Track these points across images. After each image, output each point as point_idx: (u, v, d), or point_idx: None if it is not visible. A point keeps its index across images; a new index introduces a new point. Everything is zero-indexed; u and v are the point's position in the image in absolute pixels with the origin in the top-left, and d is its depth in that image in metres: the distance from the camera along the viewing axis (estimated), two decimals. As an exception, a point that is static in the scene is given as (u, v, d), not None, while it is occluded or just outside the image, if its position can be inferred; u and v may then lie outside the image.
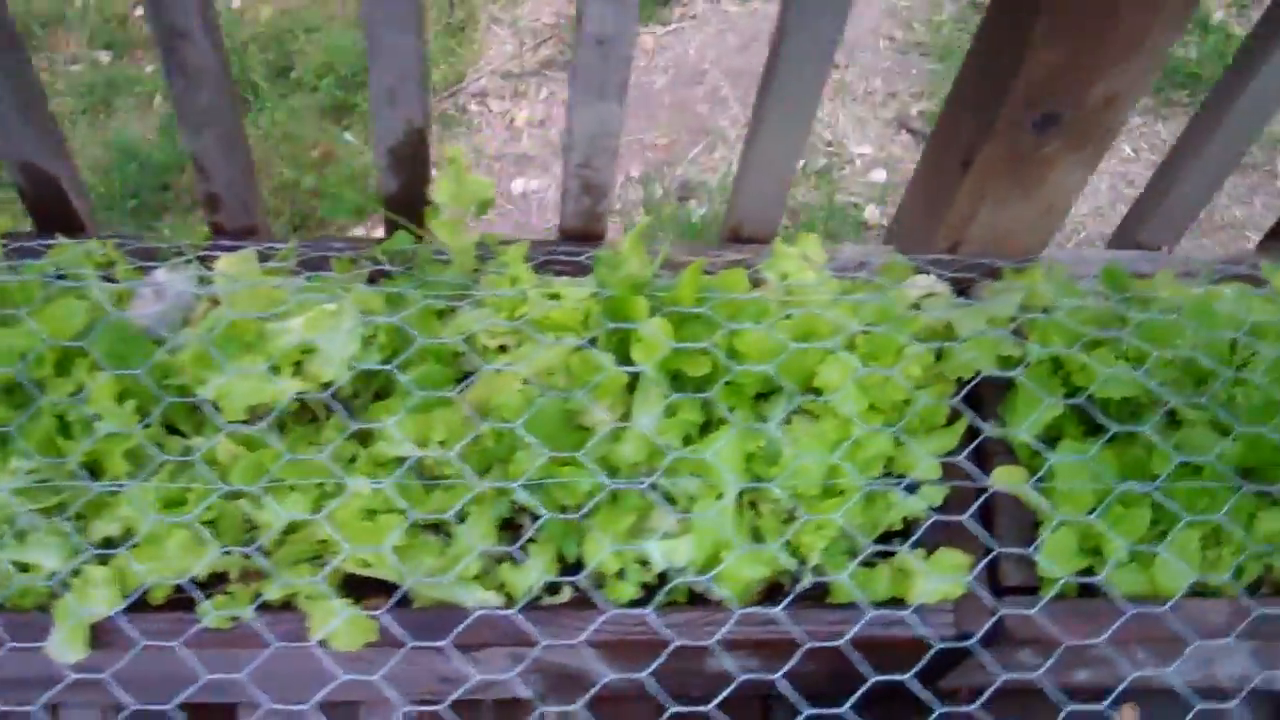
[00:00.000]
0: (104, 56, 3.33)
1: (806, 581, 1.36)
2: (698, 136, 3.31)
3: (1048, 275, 1.48)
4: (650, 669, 1.23)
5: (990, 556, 1.35)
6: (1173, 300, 1.43)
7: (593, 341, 1.37)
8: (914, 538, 1.33)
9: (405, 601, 1.31)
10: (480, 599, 1.32)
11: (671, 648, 1.24)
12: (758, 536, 1.37)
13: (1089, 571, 1.36)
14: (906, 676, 1.22)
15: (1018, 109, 1.29)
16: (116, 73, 3.27)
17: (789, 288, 1.41)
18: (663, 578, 1.32)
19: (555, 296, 1.37)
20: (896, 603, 1.35)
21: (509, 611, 1.25)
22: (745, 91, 3.38)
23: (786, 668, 1.23)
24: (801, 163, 3.23)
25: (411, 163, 1.43)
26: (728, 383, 1.37)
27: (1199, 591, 1.36)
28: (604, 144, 1.42)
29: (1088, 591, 1.37)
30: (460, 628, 1.24)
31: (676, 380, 1.38)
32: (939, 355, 1.41)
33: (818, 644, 1.25)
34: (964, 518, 1.30)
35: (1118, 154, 3.37)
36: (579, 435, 1.33)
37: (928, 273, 1.48)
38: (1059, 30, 1.21)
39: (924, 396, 1.37)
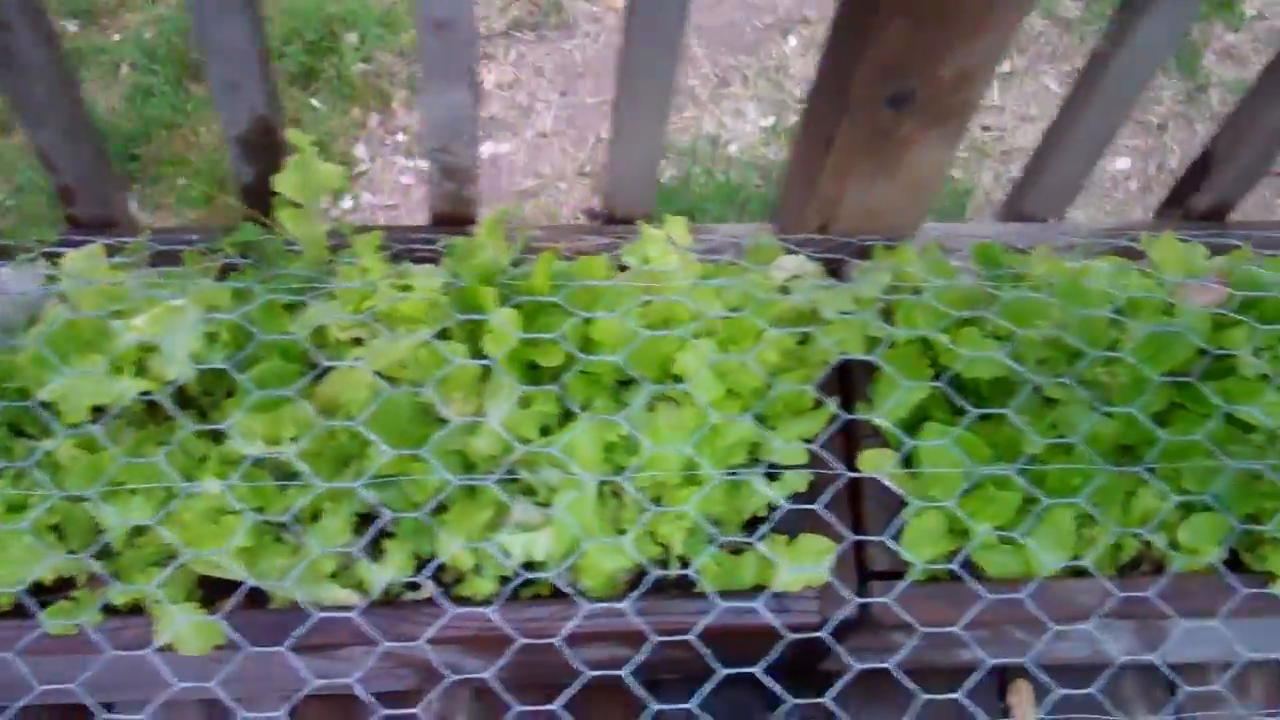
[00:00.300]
0: (72, 26, 3.27)
1: (671, 572, 1.35)
2: None
3: (922, 254, 1.45)
4: (496, 667, 1.22)
5: (855, 542, 1.33)
6: (1047, 277, 1.40)
7: (446, 333, 1.34)
8: (773, 525, 1.31)
9: (265, 602, 1.30)
10: (337, 598, 1.30)
11: (518, 645, 1.22)
12: (621, 528, 1.35)
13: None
14: (757, 668, 1.21)
15: (870, 86, 1.26)
16: (84, 42, 3.21)
17: (650, 273, 1.38)
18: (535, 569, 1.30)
19: (407, 288, 1.34)
20: (761, 591, 1.34)
21: (347, 613, 1.23)
22: (715, 50, 3.34)
23: (636, 660, 1.21)
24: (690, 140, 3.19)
25: (263, 152, 1.39)
26: (586, 372, 1.35)
27: (1080, 571, 1.35)
28: (460, 129, 1.39)
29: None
30: (302, 629, 1.22)
31: (535, 371, 1.36)
32: (804, 338, 1.39)
33: (667, 637, 1.23)
34: (817, 505, 1.28)
35: None
36: (433, 430, 1.31)
37: (797, 253, 1.44)
38: (903, 5, 1.17)
39: (785, 382, 1.34)
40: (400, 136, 3.15)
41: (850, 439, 1.40)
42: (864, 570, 1.36)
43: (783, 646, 1.23)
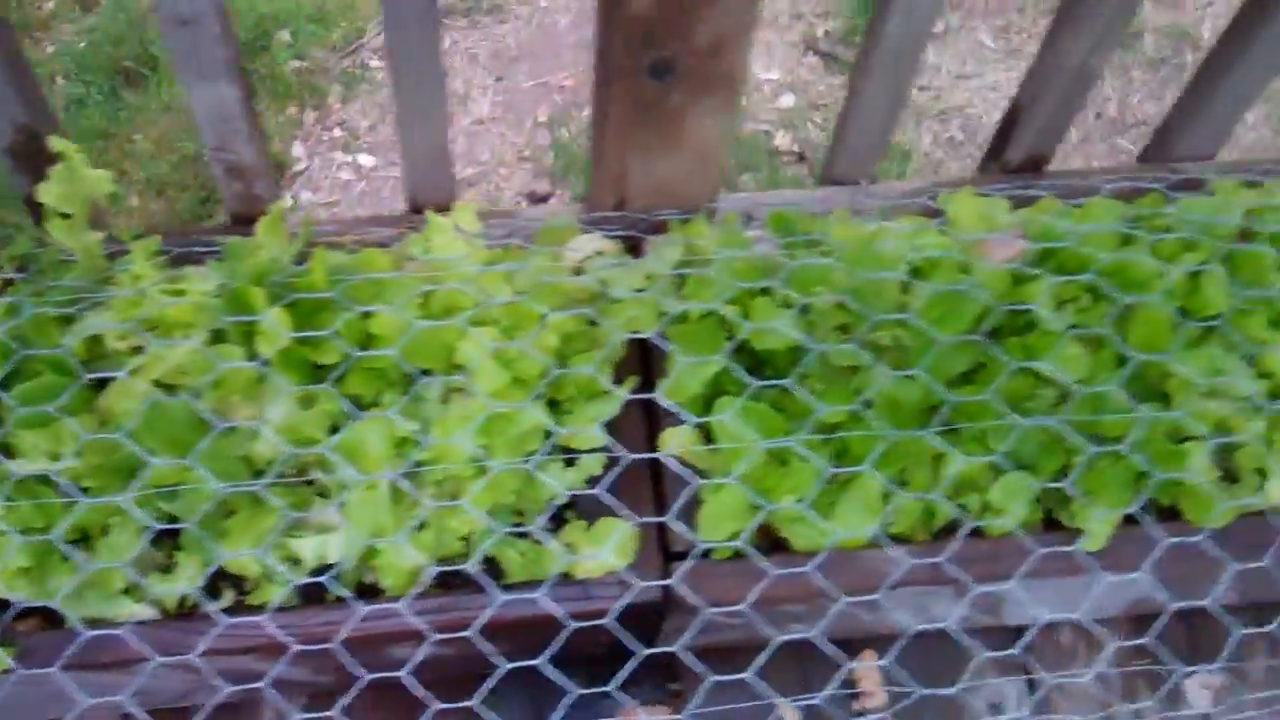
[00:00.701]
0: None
1: (470, 566, 1.33)
2: None
3: (720, 226, 1.42)
4: (271, 676, 1.20)
5: (659, 524, 1.31)
6: (841, 241, 1.37)
7: (223, 337, 1.31)
8: (577, 511, 1.29)
9: (58, 621, 1.27)
10: (131, 612, 1.28)
11: (293, 650, 1.20)
12: (423, 524, 1.33)
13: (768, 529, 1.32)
14: (540, 660, 1.18)
15: (629, 55, 1.23)
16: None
17: (432, 263, 1.35)
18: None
19: (180, 292, 1.31)
20: (566, 579, 1.31)
21: (115, 630, 1.21)
22: None
23: (417, 658, 1.19)
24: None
25: (32, 162, 1.36)
26: (369, 368, 1.32)
27: (901, 538, 1.32)
28: (231, 126, 1.35)
29: (778, 548, 1.33)
30: (72, 647, 1.19)
31: (320, 369, 1.33)
32: (595, 319, 1.36)
33: (447, 634, 1.21)
34: (599, 490, 1.25)
35: (1025, 59, 3.25)
36: (218, 436, 1.28)
37: (592, 233, 1.42)
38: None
39: (575, 366, 1.32)
40: (337, 132, 3.11)
41: (653, 419, 1.37)
42: (667, 552, 1.34)
43: (568, 634, 1.21)
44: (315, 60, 3.20)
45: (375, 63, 3.22)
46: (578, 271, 1.40)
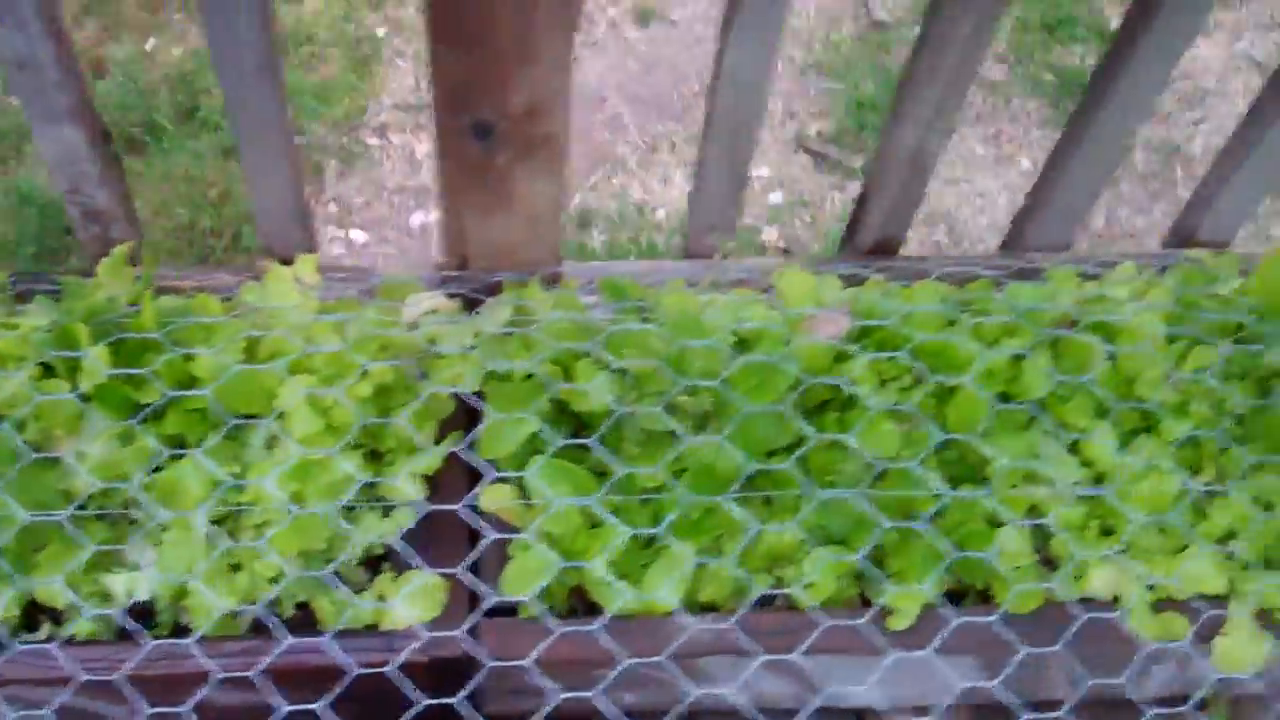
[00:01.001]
0: (16, 102, 3.31)
1: (284, 613, 1.34)
2: (597, 163, 3.28)
3: (559, 290, 1.44)
4: (53, 705, 1.21)
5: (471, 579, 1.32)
6: (667, 310, 1.39)
7: (53, 372, 1.34)
8: (392, 563, 1.30)
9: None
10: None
11: (77, 683, 1.20)
12: (238, 565, 1.34)
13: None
14: (318, 704, 1.19)
15: (450, 116, 1.27)
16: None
17: (265, 310, 1.38)
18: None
19: (14, 327, 1.34)
20: (374, 630, 1.32)
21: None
22: (644, 118, 3.36)
23: (197, 697, 1.20)
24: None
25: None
26: (192, 409, 1.35)
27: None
28: (79, 169, 1.40)
29: (595, 610, 1.33)
30: None
31: (143, 409, 1.35)
32: (425, 373, 1.38)
33: (229, 674, 1.22)
34: (396, 538, 1.27)
35: (1016, 166, 3.31)
36: (37, 468, 1.31)
37: (433, 290, 1.45)
38: (447, 34, 1.18)
39: (396, 418, 1.34)
40: (331, 207, 3.16)
41: (476, 476, 1.38)
42: (475, 606, 1.34)
43: (349, 681, 1.22)
44: (315, 135, 3.27)
45: (374, 140, 3.28)
46: (413, 327, 1.43)
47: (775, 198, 3.24)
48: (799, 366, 1.32)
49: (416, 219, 3.17)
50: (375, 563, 1.39)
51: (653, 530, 1.29)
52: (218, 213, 3.06)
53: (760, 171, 3.29)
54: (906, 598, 1.30)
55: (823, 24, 3.61)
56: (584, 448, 1.34)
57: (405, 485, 1.34)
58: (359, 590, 1.37)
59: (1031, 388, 1.37)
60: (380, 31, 3.51)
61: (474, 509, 1.35)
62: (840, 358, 1.38)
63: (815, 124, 3.38)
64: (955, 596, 1.37)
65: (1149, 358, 1.37)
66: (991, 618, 1.27)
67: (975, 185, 3.29)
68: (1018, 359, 1.38)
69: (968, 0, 1.30)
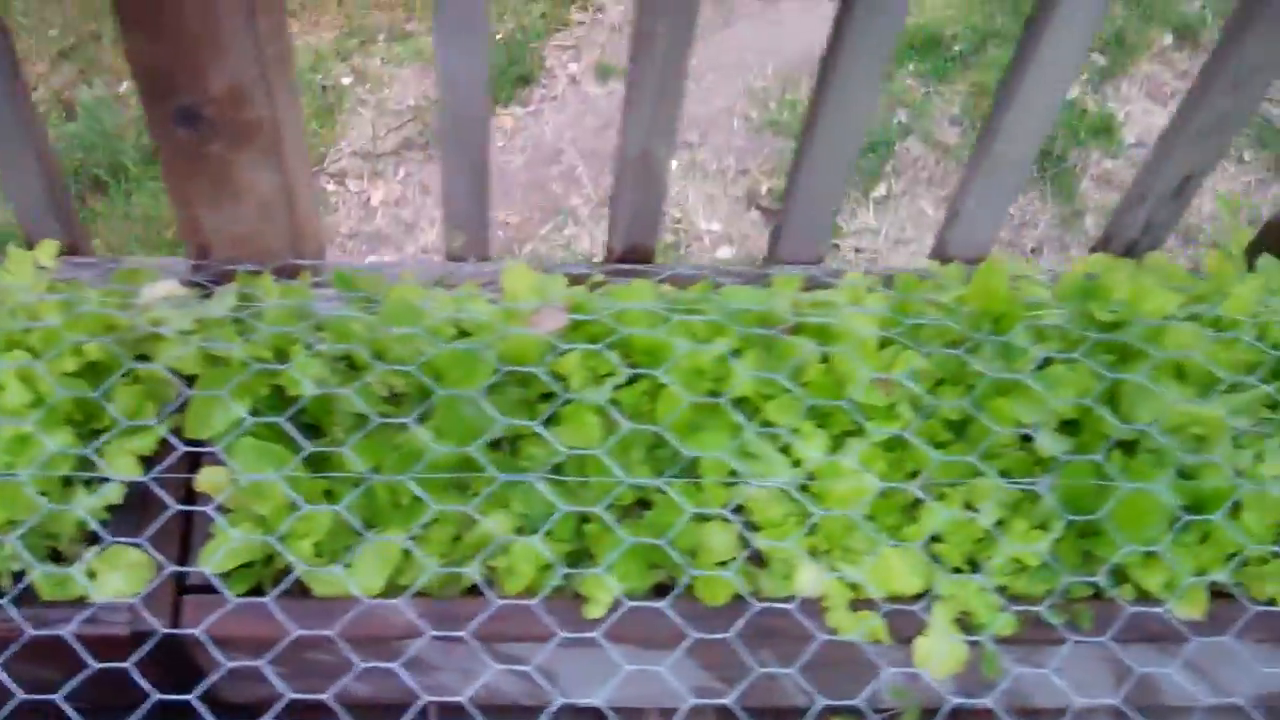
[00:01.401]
0: None
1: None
2: (549, 214, 3.33)
3: (296, 281, 1.47)
4: None
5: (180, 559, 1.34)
6: (390, 301, 1.43)
7: None
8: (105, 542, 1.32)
9: None
10: None
11: None
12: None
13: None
14: (57, 697, 1.20)
15: (156, 103, 1.30)
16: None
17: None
18: None
19: None
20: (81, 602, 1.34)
21: None
22: (599, 171, 3.41)
23: None
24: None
25: None
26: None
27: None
28: None
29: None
30: None
31: None
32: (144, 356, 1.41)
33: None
34: (108, 515, 1.28)
35: None
36: None
37: (170, 279, 1.48)
38: (135, 19, 1.21)
39: (114, 399, 1.36)
40: None
41: (196, 457, 1.41)
42: (182, 586, 1.36)
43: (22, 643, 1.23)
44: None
45: (332, 186, 3.33)
46: (145, 312, 1.45)
47: (724, 252, 3.29)
48: (502, 357, 1.35)
49: (370, 262, 3.22)
50: (95, 539, 1.41)
51: (342, 511, 1.31)
52: (172, 252, 3.12)
53: (711, 226, 3.34)
54: (598, 585, 1.32)
55: (780, 85, 3.66)
56: (310, 434, 1.37)
57: (118, 462, 1.37)
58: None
59: (739, 387, 1.40)
60: (346, 80, 3.59)
61: (189, 490, 1.37)
62: (553, 351, 1.41)
63: (767, 181, 3.44)
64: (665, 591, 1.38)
65: (858, 360, 1.40)
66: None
67: (925, 244, 3.32)
68: (724, 358, 1.41)
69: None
